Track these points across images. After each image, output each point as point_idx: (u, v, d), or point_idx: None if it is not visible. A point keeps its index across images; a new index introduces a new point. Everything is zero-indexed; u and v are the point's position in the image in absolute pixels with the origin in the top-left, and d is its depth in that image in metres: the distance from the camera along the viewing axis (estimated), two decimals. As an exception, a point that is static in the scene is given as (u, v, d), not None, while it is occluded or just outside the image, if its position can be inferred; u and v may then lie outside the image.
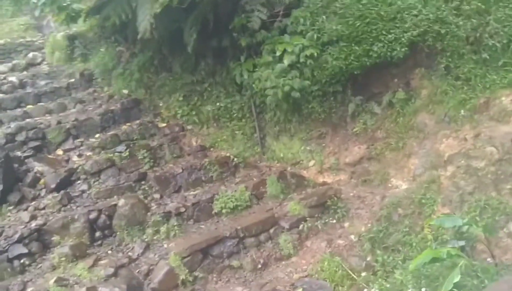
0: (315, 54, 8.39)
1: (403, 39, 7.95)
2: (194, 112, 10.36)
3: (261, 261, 7.41)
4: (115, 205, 7.92)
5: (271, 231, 7.77)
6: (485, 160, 7.15)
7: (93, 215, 7.74)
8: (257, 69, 9.02)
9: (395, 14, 8.05)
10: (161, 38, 9.76)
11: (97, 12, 10.56)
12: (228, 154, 9.60)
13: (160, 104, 10.84)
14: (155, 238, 7.72)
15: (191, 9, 8.72)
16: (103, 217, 7.80)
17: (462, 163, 7.36)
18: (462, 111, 7.89)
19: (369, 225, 7.66)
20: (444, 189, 7.36)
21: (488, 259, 6.04)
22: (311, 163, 9.18)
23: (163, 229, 7.77)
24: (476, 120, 7.74)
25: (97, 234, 7.75)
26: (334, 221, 7.97)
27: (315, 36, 8.50)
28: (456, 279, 4.76)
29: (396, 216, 7.53)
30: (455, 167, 7.44)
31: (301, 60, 8.48)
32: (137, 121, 10.23)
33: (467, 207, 6.84)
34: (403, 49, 7.98)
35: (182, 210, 8.15)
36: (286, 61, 8.53)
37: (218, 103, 10.14)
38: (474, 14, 7.94)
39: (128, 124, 10.12)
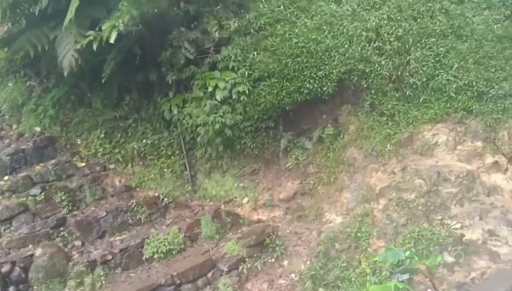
0: (247, 90, 8.35)
1: (332, 75, 8.21)
2: (117, 150, 9.73)
3: (200, 309, 6.94)
4: (31, 255, 7.10)
5: (209, 275, 7.35)
6: (414, 192, 7.45)
7: (5, 268, 6.86)
8: (187, 105, 8.77)
9: (323, 52, 8.30)
10: (80, 72, 9.15)
11: (6, 44, 9.75)
12: (156, 194, 9.08)
13: (78, 142, 10.04)
14: (78, 290, 6.94)
15: (116, 41, 8.27)
16: (17, 269, 6.94)
17: (393, 196, 7.60)
18: (388, 145, 8.23)
19: (308, 262, 7.55)
20: (378, 222, 7.51)
21: (428, 290, 6.17)
22: (245, 200, 8.98)
23: (87, 280, 7.05)
24: (402, 154, 8.12)
25: (11, 289, 6.84)
26: (273, 260, 7.75)
27: (246, 73, 8.48)
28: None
29: (333, 252, 7.50)
30: (387, 199, 7.66)
31: (234, 96, 8.40)
32: (53, 161, 9.32)
33: (402, 239, 7.01)
34: (332, 85, 8.24)
35: (109, 257, 7.50)
36: (219, 97, 8.40)
37: (144, 140, 9.63)
38: (395, 54, 8.44)
39: (42, 164, 9.19)
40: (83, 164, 9.54)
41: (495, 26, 8.70)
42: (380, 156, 8.25)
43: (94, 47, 7.75)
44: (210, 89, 8.42)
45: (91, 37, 7.72)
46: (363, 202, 7.91)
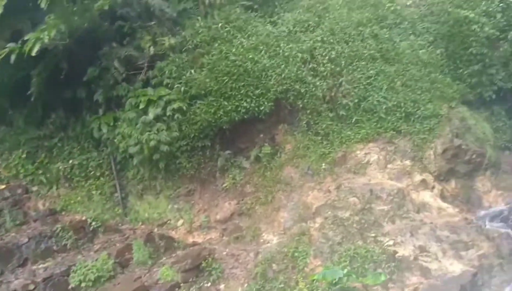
0: (184, 107, 8.18)
1: (269, 94, 8.25)
2: (41, 171, 9.07)
3: (131, 340, 6.51)
4: None
5: (141, 303, 6.95)
6: (349, 210, 7.57)
7: None
8: (118, 123, 8.41)
9: (260, 72, 8.33)
10: (2, 88, 8.56)
11: None
12: (84, 218, 8.53)
13: (-2, 163, 9.29)
14: (-5, 325, 6.31)
15: (42, 56, 7.80)
16: None
17: (329, 214, 7.67)
18: (323, 164, 8.39)
19: (246, 284, 7.38)
20: (315, 241, 7.51)
21: (364, 307, 6.21)
22: (180, 222, 8.66)
23: (5, 313, 6.40)
24: (336, 172, 8.28)
25: None
26: (209, 284, 7.50)
27: (182, 90, 8.31)
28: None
29: (271, 273, 7.39)
30: (323, 218, 7.71)
31: (168, 113, 8.17)
32: (-32, 184, 8.55)
33: (338, 257, 7.04)
34: (269, 104, 8.28)
35: (31, 287, 6.93)
36: (151, 114, 8.13)
37: (71, 161, 9.07)
38: (328, 75, 8.67)
39: (-44, 187, 8.40)
40: (3, 186, 8.82)
41: (420, 51, 9.27)
42: (316, 174, 8.36)
43: (12, 59, 7.24)
44: (142, 106, 8.13)
45: (7, 50, 7.20)
46: (299, 221, 7.92)
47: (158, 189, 8.96)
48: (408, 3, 10.02)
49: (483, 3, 9.58)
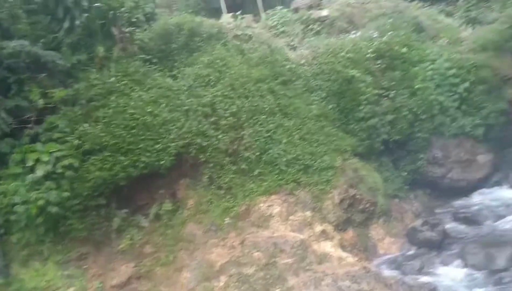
0: (76, 164, 7.62)
1: (169, 149, 8.07)
2: None
3: None
4: None
5: None
6: (254, 266, 7.43)
7: None
8: (1, 182, 7.54)
9: (160, 125, 8.16)
10: None
11: None
12: (-44, 294, 7.36)
13: None
14: None
15: None
16: None
17: (234, 271, 7.46)
18: (227, 219, 8.25)
19: None
20: (219, 301, 7.21)
21: None
22: (71, 290, 7.78)
23: None
24: (240, 227, 8.17)
25: None
26: None
27: (75, 144, 7.78)
28: None
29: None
30: (227, 276, 7.47)
31: (58, 170, 7.54)
32: None
33: (243, 318, 6.81)
34: (170, 158, 8.08)
35: None
36: (40, 172, 7.44)
37: None
38: (230, 129, 8.74)
39: None
40: None
41: (314, 106, 9.78)
42: (220, 230, 8.18)
43: None
44: (30, 163, 7.44)
45: None
46: (203, 281, 7.58)
47: (46, 254, 8.03)
48: (301, 62, 10.60)
49: (366, 63, 10.50)
